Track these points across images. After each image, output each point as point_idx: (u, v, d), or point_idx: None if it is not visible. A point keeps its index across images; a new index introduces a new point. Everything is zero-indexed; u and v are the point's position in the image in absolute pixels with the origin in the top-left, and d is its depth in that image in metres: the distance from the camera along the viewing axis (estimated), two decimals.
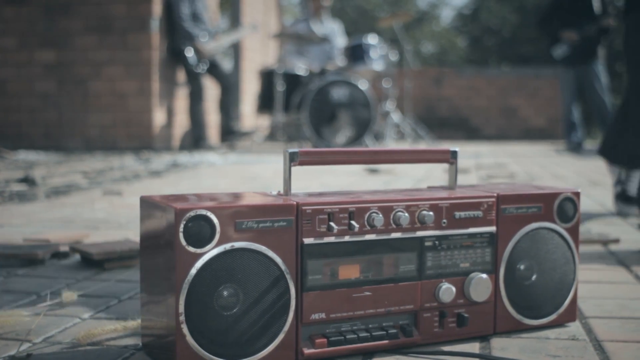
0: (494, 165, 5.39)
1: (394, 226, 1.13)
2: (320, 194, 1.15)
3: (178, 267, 1.00)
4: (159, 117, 7.08)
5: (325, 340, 1.09)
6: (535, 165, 5.55)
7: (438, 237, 1.16)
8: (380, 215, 1.11)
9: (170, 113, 7.35)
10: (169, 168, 4.98)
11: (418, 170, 4.81)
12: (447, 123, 11.28)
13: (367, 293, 1.12)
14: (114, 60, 7.02)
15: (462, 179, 4.19)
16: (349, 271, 1.10)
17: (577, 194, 1.29)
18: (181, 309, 1.00)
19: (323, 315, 1.09)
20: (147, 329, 1.13)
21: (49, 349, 1.16)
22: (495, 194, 1.22)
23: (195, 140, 7.34)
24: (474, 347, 1.18)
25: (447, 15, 51.58)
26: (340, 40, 7.84)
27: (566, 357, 1.12)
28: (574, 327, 1.29)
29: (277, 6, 11.57)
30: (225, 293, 1.03)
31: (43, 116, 7.17)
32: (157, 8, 6.98)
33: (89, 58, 7.04)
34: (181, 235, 1.00)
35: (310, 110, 6.89)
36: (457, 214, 1.18)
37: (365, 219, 1.11)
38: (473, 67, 14.60)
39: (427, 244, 1.16)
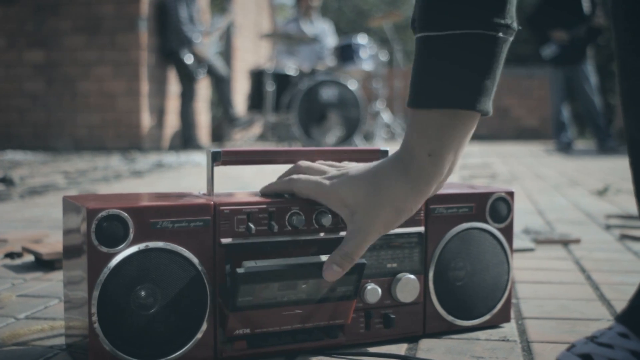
0: (480, 165, 5.38)
1: (316, 226, 1.12)
2: (240, 194, 1.14)
3: (90, 267, 0.99)
4: (147, 117, 7.08)
5: (244, 340, 1.08)
6: (521, 165, 5.55)
7: None
8: (302, 216, 1.10)
9: (159, 113, 7.35)
10: (153, 168, 4.97)
11: None
12: None
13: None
14: (103, 61, 7.02)
15: None
16: None
17: (511, 194, 1.28)
18: (94, 309, 1.00)
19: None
20: (69, 330, 1.13)
21: None
22: None
23: (184, 140, 7.33)
24: (402, 348, 1.18)
25: None
26: (330, 40, 7.83)
27: (490, 359, 1.12)
28: (508, 328, 1.28)
29: (270, 6, 11.56)
30: (141, 293, 1.02)
31: (32, 116, 7.17)
32: (145, 8, 6.98)
33: (77, 58, 7.05)
34: (93, 235, 0.99)
35: (299, 110, 6.89)
36: None
37: (286, 219, 1.10)
38: None
39: None
